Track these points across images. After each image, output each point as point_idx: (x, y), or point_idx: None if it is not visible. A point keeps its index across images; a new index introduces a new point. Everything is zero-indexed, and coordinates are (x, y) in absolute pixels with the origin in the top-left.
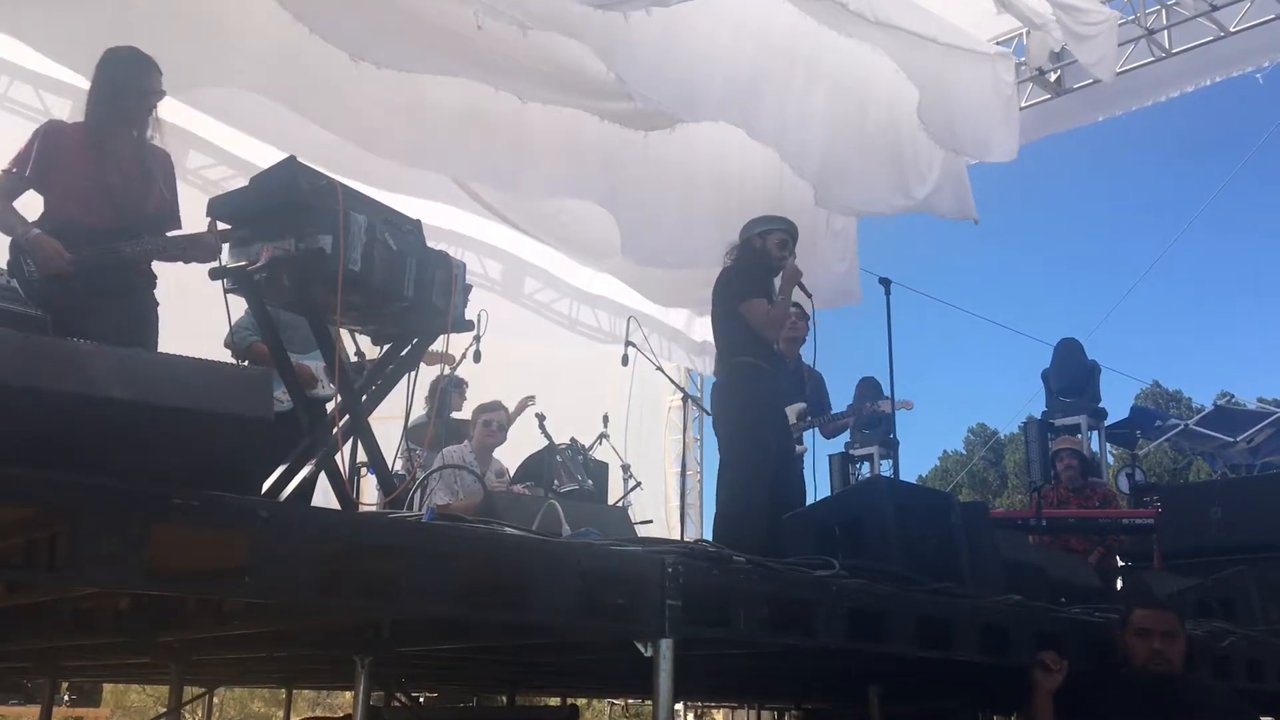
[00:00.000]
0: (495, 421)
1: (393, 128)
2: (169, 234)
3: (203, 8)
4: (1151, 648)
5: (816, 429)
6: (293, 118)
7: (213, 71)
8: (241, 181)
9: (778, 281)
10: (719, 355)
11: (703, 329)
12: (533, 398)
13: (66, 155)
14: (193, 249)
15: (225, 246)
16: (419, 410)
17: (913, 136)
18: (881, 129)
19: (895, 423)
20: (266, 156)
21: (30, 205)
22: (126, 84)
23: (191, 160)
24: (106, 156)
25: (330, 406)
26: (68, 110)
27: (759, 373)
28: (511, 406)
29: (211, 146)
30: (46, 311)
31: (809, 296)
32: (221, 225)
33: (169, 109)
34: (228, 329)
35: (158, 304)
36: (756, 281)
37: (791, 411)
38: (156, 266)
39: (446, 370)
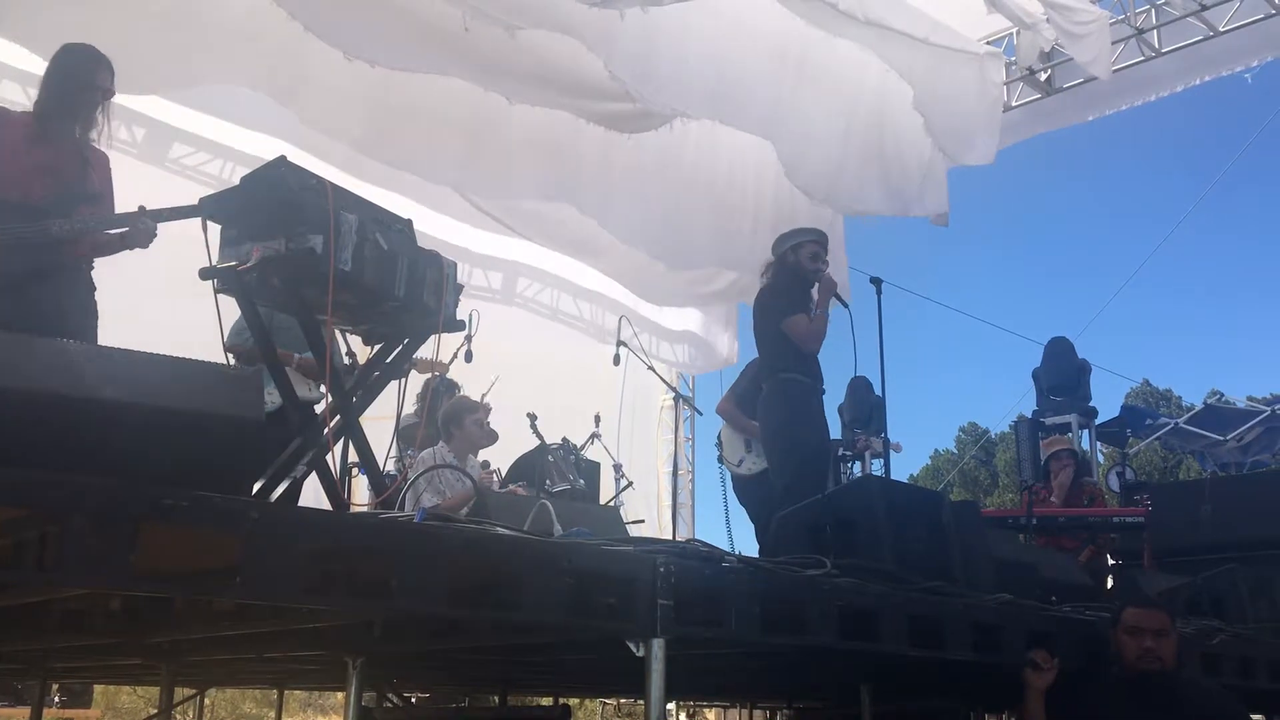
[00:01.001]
0: (487, 422)
1: (383, 130)
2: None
3: (199, 6)
4: (1143, 646)
5: None
6: (283, 111)
7: (209, 70)
8: (220, 165)
9: (815, 292)
10: (764, 371)
11: (695, 327)
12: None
13: (5, 136)
14: (130, 236)
15: (215, 246)
16: (410, 410)
17: (900, 138)
18: (870, 131)
19: (886, 422)
20: (242, 139)
21: None
22: (75, 77)
23: (173, 151)
24: (46, 142)
25: (321, 407)
26: None
27: (802, 388)
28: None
29: (190, 135)
30: None
31: (846, 306)
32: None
33: (150, 104)
34: (219, 329)
35: (94, 287)
36: (794, 297)
37: None
38: (148, 265)
39: (438, 350)
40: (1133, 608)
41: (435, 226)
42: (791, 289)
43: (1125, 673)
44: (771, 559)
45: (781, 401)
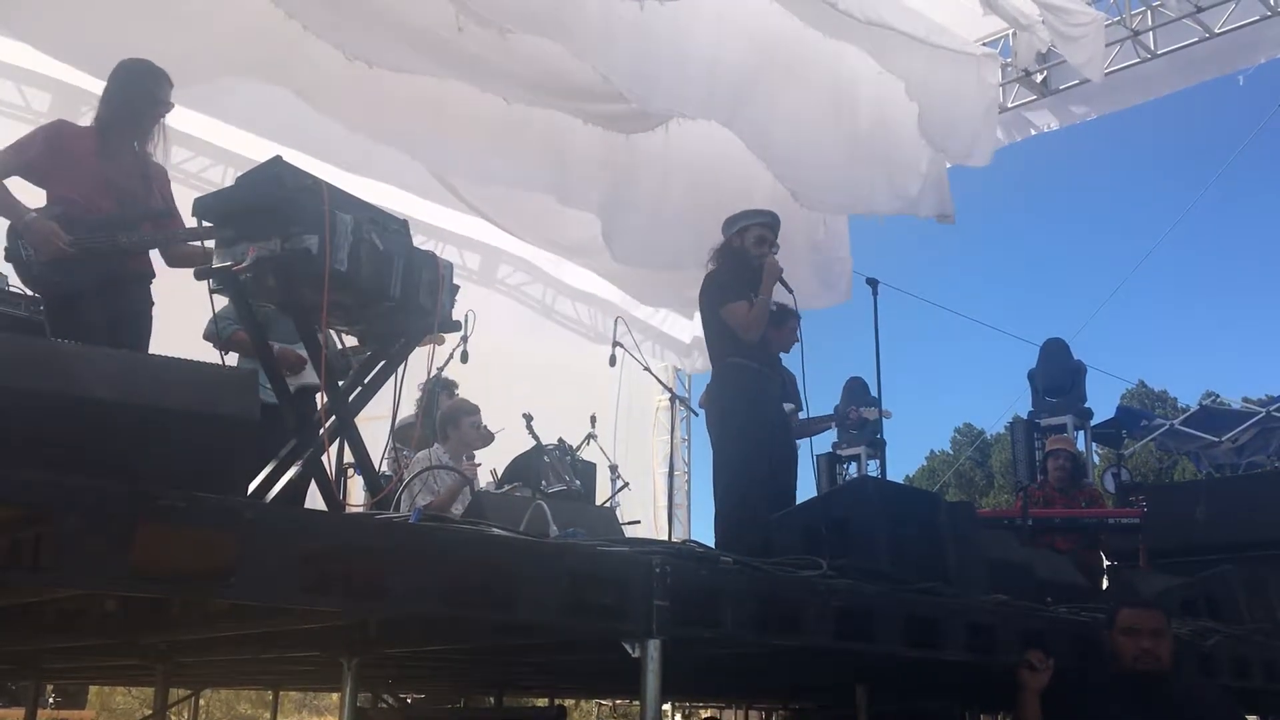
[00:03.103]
0: (484, 425)
1: (382, 120)
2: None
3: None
4: (1140, 646)
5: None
6: (277, 108)
7: (205, 64)
8: (221, 171)
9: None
10: (711, 358)
11: (690, 328)
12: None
13: (72, 150)
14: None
15: (210, 245)
16: (410, 410)
17: (899, 137)
18: (868, 130)
19: (882, 423)
20: (244, 144)
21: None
22: (140, 93)
23: (174, 156)
24: (110, 156)
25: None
26: (47, 104)
27: (749, 373)
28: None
29: (189, 138)
30: (44, 296)
31: (790, 292)
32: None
33: None
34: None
35: (153, 303)
36: (736, 283)
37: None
38: None
39: (435, 351)
40: (1128, 608)
41: (437, 216)
42: (734, 274)
43: (1122, 673)
44: (767, 559)
45: (728, 386)
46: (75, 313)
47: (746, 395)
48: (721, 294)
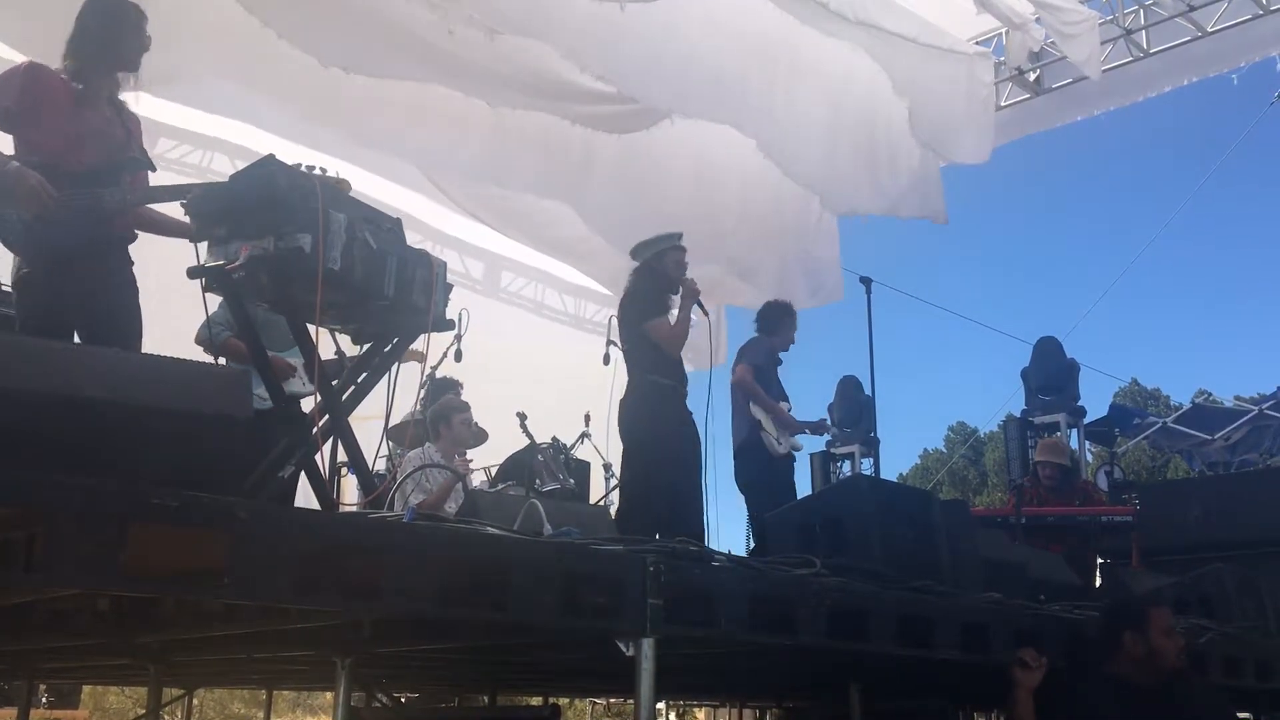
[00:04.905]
0: (475, 422)
1: (370, 121)
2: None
3: (175, 8)
4: (1179, 645)
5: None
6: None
7: (185, 63)
8: (201, 155)
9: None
10: (629, 373)
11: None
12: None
13: (49, 95)
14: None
15: (203, 245)
16: (417, 409)
17: (890, 138)
18: (860, 130)
19: (876, 421)
20: (223, 129)
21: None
22: (127, 29)
23: (158, 146)
24: (89, 102)
25: (310, 406)
26: None
27: (665, 390)
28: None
29: (172, 129)
30: (26, 259)
31: (706, 314)
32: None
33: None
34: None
35: (133, 261)
36: (657, 301)
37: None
38: (137, 262)
39: (428, 369)
40: (1157, 608)
41: (422, 210)
42: (653, 294)
43: (1145, 674)
44: (761, 558)
45: (641, 405)
46: (57, 279)
47: (663, 412)
48: (644, 311)
